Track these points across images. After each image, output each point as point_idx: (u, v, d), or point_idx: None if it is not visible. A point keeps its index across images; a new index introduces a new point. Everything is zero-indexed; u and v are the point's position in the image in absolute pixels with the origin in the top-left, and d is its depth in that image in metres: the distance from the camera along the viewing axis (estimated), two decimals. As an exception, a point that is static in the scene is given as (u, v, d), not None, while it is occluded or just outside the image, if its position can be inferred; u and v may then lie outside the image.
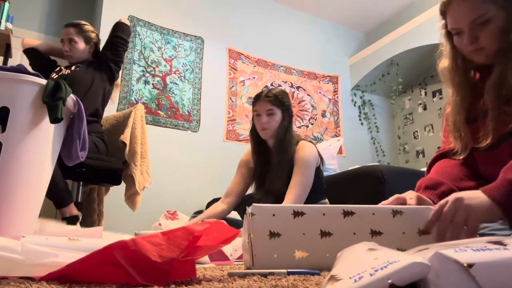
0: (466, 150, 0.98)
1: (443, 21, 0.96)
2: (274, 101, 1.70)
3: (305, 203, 1.63)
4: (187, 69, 3.52)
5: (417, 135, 4.52)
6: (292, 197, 1.54)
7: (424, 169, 2.51)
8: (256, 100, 1.75)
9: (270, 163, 1.72)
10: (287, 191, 1.57)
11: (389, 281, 0.31)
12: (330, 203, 1.81)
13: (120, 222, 2.86)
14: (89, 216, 2.05)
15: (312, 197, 1.66)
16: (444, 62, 1.01)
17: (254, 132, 1.77)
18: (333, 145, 3.31)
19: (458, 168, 1.00)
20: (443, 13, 0.95)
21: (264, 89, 1.77)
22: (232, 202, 1.74)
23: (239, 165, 1.84)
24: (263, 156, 1.75)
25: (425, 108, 4.48)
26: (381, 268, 0.33)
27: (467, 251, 0.32)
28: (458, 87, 0.98)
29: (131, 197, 2.16)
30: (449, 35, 0.97)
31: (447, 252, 0.32)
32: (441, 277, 0.31)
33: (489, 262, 0.30)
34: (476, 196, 0.74)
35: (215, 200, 3.11)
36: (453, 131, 1.01)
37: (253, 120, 1.77)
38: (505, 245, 0.35)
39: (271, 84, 3.96)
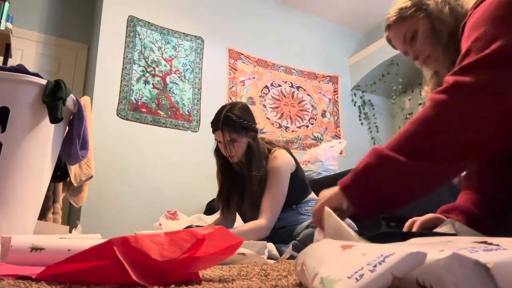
0: None
1: None
2: (234, 128, 1.54)
3: (288, 204, 1.61)
4: (187, 69, 3.52)
5: (417, 135, 4.52)
6: (268, 216, 1.50)
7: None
8: (214, 128, 1.60)
9: (238, 182, 1.65)
10: (262, 208, 1.52)
11: (393, 274, 0.32)
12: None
13: (120, 222, 2.87)
14: (43, 216, 1.94)
15: (298, 196, 1.64)
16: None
17: (219, 152, 1.66)
18: (336, 147, 3.32)
19: None
20: (391, 44, 1.03)
21: (223, 109, 1.61)
22: (233, 216, 1.73)
23: (217, 177, 1.76)
24: (230, 174, 1.67)
25: (425, 108, 4.48)
26: (379, 263, 0.33)
27: (478, 251, 0.33)
28: None
29: (74, 192, 2.04)
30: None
31: (464, 252, 0.32)
32: (459, 277, 0.31)
33: (506, 262, 0.31)
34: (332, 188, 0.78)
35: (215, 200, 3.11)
36: None
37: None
38: (497, 245, 0.35)
39: (271, 84, 3.96)
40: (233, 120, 1.55)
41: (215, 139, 1.63)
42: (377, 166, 0.69)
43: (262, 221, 1.47)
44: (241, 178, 1.64)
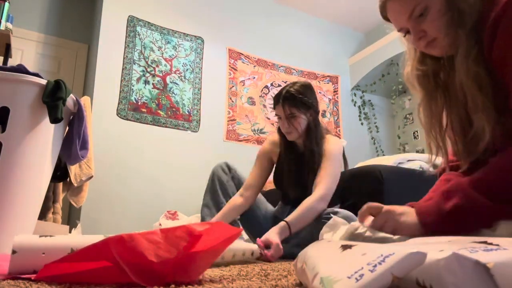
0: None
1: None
2: (294, 103, 1.55)
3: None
4: (187, 69, 3.52)
5: (417, 135, 4.52)
6: (322, 186, 1.45)
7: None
8: (275, 102, 1.60)
9: (299, 160, 1.63)
10: (317, 180, 1.48)
11: (392, 274, 0.32)
12: (329, 203, 1.79)
13: (120, 221, 2.87)
14: (43, 216, 1.93)
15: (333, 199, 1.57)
16: (408, 68, 0.93)
17: (281, 131, 1.66)
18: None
19: None
20: (386, 18, 0.89)
21: (286, 86, 1.61)
22: (252, 196, 1.65)
23: (258, 157, 1.73)
24: (292, 152, 1.66)
25: (425, 108, 4.48)
26: (379, 263, 0.33)
27: (478, 251, 0.33)
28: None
29: (74, 192, 2.05)
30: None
31: (464, 252, 0.32)
32: (459, 277, 0.31)
33: (506, 262, 0.31)
34: (407, 213, 0.77)
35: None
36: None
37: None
38: (497, 245, 0.35)
39: (271, 84, 3.96)
40: (293, 95, 1.55)
41: (276, 115, 1.63)
42: (470, 212, 0.71)
43: (315, 193, 1.44)
44: (300, 158, 1.63)
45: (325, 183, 1.47)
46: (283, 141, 1.68)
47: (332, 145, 1.58)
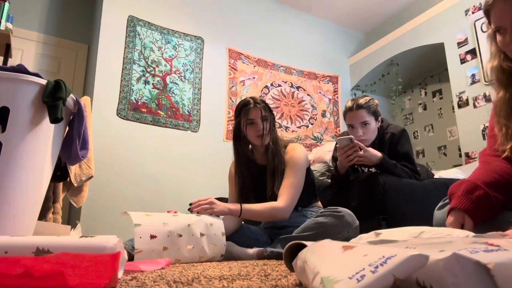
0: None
1: (487, 21, 0.98)
2: (265, 108, 1.69)
3: (298, 205, 1.64)
4: (187, 69, 3.52)
5: (417, 135, 4.52)
6: (286, 198, 1.55)
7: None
8: (249, 108, 1.69)
9: (256, 174, 1.70)
10: (280, 192, 1.57)
11: (394, 276, 0.32)
12: (330, 206, 1.80)
13: (120, 221, 2.86)
14: (43, 216, 1.93)
15: (305, 198, 1.67)
16: (492, 62, 1.02)
17: (239, 144, 1.72)
18: (338, 148, 3.31)
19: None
20: (487, 12, 0.97)
21: (249, 97, 1.75)
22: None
23: (230, 178, 1.80)
24: (249, 166, 1.73)
25: (425, 108, 4.48)
26: (381, 264, 0.33)
27: (478, 252, 0.33)
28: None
29: (74, 192, 2.04)
30: (494, 35, 0.97)
31: (464, 253, 0.32)
32: (460, 277, 0.31)
33: (506, 263, 0.31)
34: None
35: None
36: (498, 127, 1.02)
37: (236, 131, 1.71)
38: (498, 246, 0.35)
39: (271, 84, 3.96)
40: (263, 101, 1.72)
41: (248, 119, 1.67)
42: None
43: (279, 202, 1.54)
44: (259, 172, 1.71)
45: (288, 194, 1.56)
46: (242, 158, 1.74)
47: (296, 153, 1.66)
